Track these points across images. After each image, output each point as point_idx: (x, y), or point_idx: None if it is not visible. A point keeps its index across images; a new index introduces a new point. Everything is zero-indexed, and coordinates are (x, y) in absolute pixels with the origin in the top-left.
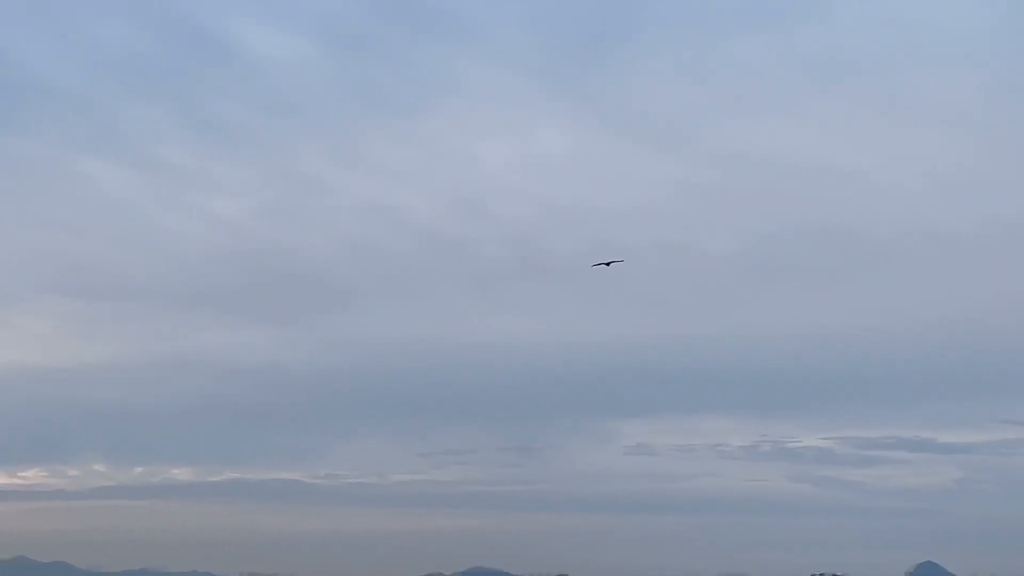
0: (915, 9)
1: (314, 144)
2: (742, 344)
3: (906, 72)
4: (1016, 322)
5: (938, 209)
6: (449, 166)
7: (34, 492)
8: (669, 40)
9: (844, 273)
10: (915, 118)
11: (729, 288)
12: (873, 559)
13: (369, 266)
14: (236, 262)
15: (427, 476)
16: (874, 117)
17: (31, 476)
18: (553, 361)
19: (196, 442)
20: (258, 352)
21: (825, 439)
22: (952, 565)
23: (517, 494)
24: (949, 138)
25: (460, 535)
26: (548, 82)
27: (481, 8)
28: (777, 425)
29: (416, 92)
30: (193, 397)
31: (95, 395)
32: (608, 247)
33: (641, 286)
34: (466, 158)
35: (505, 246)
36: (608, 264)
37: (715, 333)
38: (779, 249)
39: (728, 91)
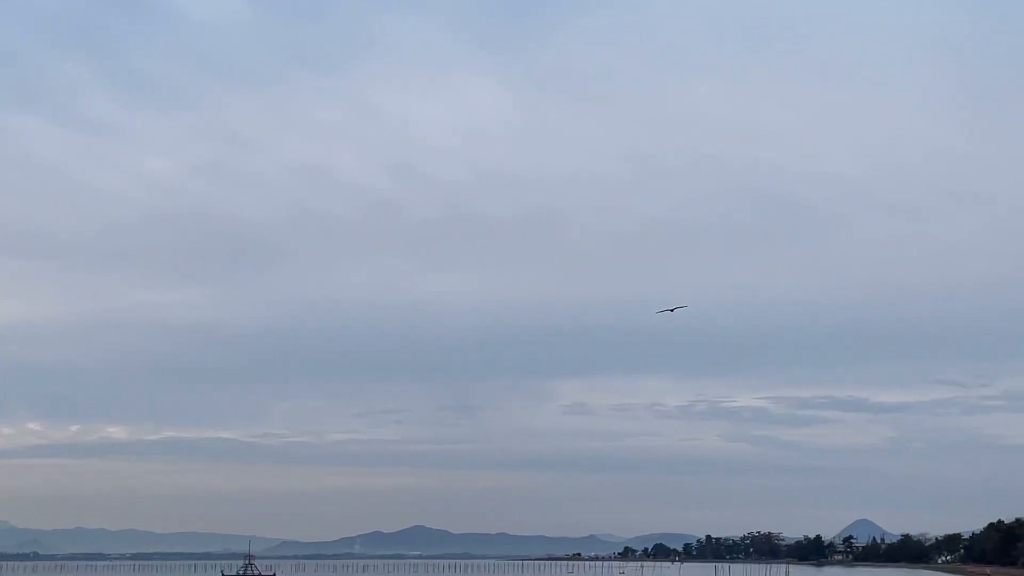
0: None
1: (244, 103)
2: (676, 302)
3: (838, 35)
4: (947, 284)
5: (869, 172)
6: (381, 126)
7: None
8: (603, 1)
9: (777, 235)
10: (846, 81)
11: (663, 249)
12: (808, 517)
13: (302, 225)
14: (166, 221)
15: (365, 435)
16: (806, 80)
17: None
18: (490, 321)
19: (131, 401)
20: (191, 311)
21: (760, 399)
22: (885, 522)
23: (456, 453)
24: (880, 101)
25: (400, 494)
26: (481, 42)
27: None
28: (713, 385)
29: (347, 51)
30: (127, 356)
31: (26, 353)
32: (541, 208)
33: (574, 247)
34: (398, 118)
35: (438, 207)
36: (672, 311)
37: (649, 294)
38: (711, 211)
39: (663, 53)
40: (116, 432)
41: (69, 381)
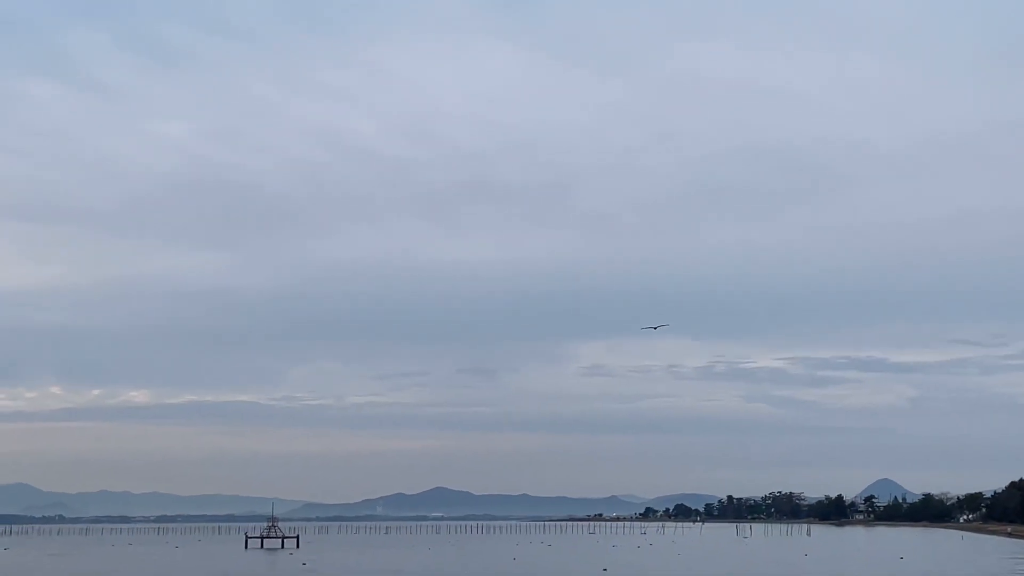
0: None
1: (259, 67)
2: (695, 264)
3: None
4: (965, 243)
5: (887, 134)
6: (396, 90)
7: None
8: None
9: (795, 196)
10: (863, 42)
11: (679, 211)
12: (829, 477)
13: (318, 189)
14: (182, 186)
15: (384, 398)
16: (823, 41)
17: None
18: (507, 283)
19: (152, 365)
20: (209, 275)
21: (778, 360)
22: (906, 482)
23: (476, 415)
24: (898, 62)
25: (421, 456)
26: (496, 5)
27: None
28: (731, 346)
29: (361, 15)
30: (146, 320)
31: (48, 318)
32: (557, 170)
33: (591, 210)
34: (412, 82)
35: (453, 170)
36: (656, 328)
37: (666, 255)
38: (728, 173)
39: (678, 15)
40: (138, 396)
41: (90, 346)
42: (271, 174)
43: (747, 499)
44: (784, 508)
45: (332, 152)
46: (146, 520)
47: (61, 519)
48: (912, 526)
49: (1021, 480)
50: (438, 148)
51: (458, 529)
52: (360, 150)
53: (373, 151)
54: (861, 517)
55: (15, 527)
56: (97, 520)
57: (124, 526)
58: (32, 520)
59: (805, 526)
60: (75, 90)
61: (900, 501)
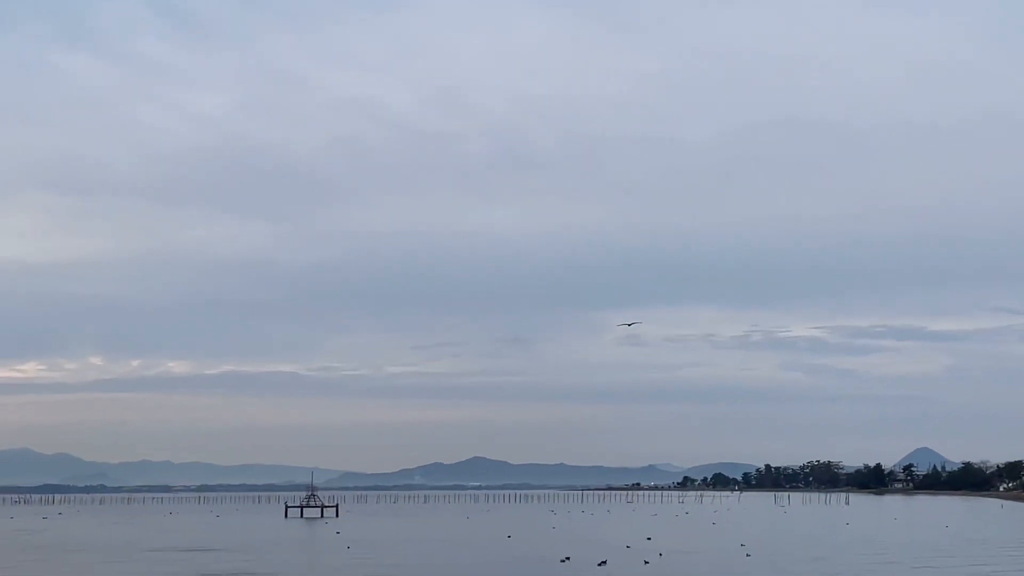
0: None
1: (293, 39)
2: (730, 234)
3: None
4: (1003, 210)
5: (920, 100)
6: (430, 61)
7: (33, 385)
8: None
9: (830, 163)
10: (894, 9)
11: (715, 179)
12: (868, 446)
13: (353, 160)
14: (219, 158)
15: (421, 368)
16: (855, 7)
17: (29, 369)
18: (542, 254)
19: (191, 336)
20: (247, 247)
21: (816, 328)
22: (945, 450)
23: (512, 385)
24: (929, 28)
25: (458, 426)
26: None
27: None
28: (768, 315)
29: None
30: (185, 291)
31: (87, 290)
32: (590, 139)
33: (625, 178)
34: (447, 52)
35: (487, 139)
36: (630, 325)
37: (701, 224)
38: (762, 139)
39: None
40: (177, 366)
41: (129, 317)
42: (306, 146)
43: (785, 468)
44: (822, 477)
45: (367, 124)
46: (187, 490)
47: (103, 489)
48: (951, 495)
49: None
50: (473, 119)
51: (496, 498)
52: (395, 121)
53: (408, 122)
54: (900, 486)
55: (58, 496)
56: (138, 490)
57: (165, 495)
58: (75, 490)
59: (844, 495)
60: (111, 63)
61: (939, 470)
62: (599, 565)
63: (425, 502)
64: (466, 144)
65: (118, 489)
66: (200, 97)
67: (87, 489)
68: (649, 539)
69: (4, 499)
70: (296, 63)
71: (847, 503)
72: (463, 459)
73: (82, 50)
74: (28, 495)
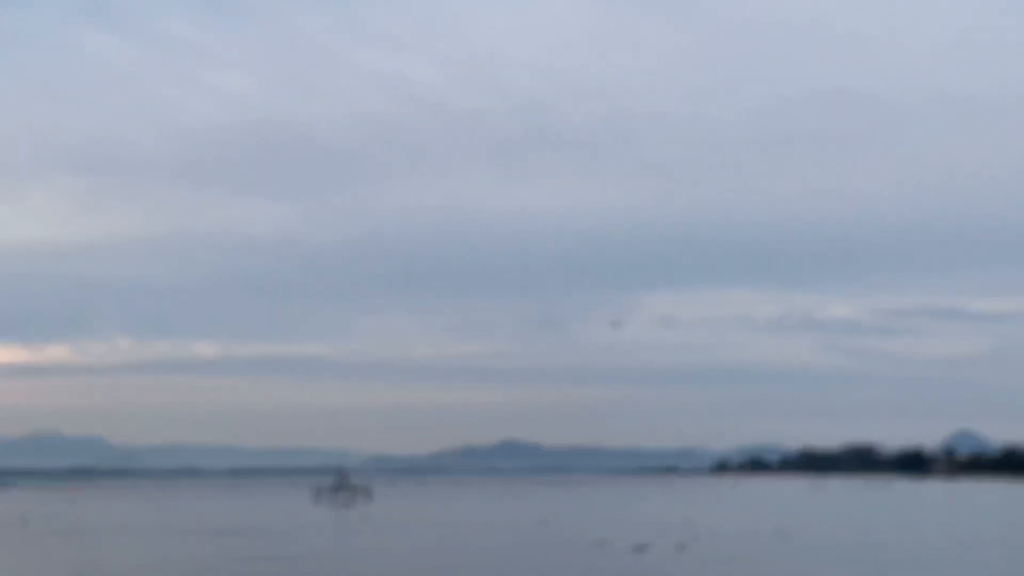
0: None
1: (321, 15)
2: (764, 213)
3: None
4: None
5: (958, 73)
6: (458, 37)
7: (61, 367)
8: None
9: (867, 141)
10: None
11: (748, 157)
12: (907, 428)
13: (382, 139)
14: (245, 136)
15: (452, 350)
16: None
17: (56, 352)
18: (573, 234)
19: (219, 317)
20: (275, 226)
21: (853, 309)
22: (988, 433)
23: (544, 367)
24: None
25: (490, 409)
26: None
27: None
28: (803, 296)
29: None
30: (212, 272)
31: (114, 270)
32: (622, 117)
33: (657, 156)
34: (475, 28)
35: (518, 118)
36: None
37: (735, 203)
38: (797, 117)
39: None
40: (205, 348)
41: (157, 298)
42: (334, 124)
43: (823, 451)
44: (861, 460)
45: (395, 101)
46: (216, 472)
47: (132, 472)
48: (995, 478)
49: None
50: (502, 96)
51: (529, 481)
52: (423, 99)
53: (436, 100)
54: (941, 469)
55: (87, 478)
56: (168, 472)
57: (195, 478)
58: (104, 473)
59: (883, 478)
60: (138, 42)
61: (982, 453)
62: (634, 549)
63: (457, 485)
64: (496, 122)
65: (147, 472)
66: (227, 76)
67: (116, 472)
68: (687, 522)
69: (33, 482)
70: (324, 40)
71: (886, 486)
72: (495, 442)
73: (109, 29)
74: (57, 478)
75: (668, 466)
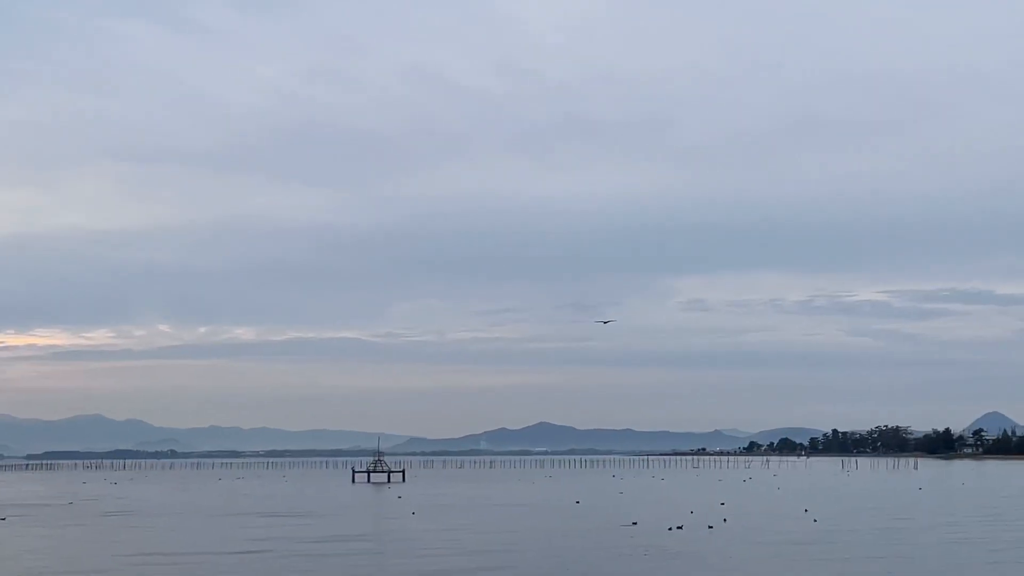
0: None
1: (355, 6)
2: (794, 198)
3: None
4: None
5: (993, 62)
6: (490, 25)
7: (103, 352)
8: None
9: (897, 126)
10: None
11: (776, 142)
12: (936, 410)
13: (415, 127)
14: (282, 124)
15: (486, 334)
16: None
17: (98, 337)
18: (604, 219)
19: (257, 302)
20: (311, 213)
21: (882, 292)
22: (1016, 415)
23: (577, 351)
24: None
25: (523, 391)
26: None
27: None
28: (833, 279)
29: None
30: (250, 258)
31: (153, 257)
32: (652, 105)
33: (687, 142)
34: (507, 17)
35: (550, 107)
36: (606, 323)
37: (765, 187)
38: (825, 101)
39: None
40: (243, 333)
41: (196, 284)
42: (369, 113)
43: (852, 433)
44: (891, 442)
45: (428, 90)
46: (255, 455)
47: (173, 454)
48: (1022, 459)
49: None
50: (534, 84)
51: (562, 463)
52: (456, 87)
53: (469, 88)
54: (969, 451)
55: (129, 461)
56: (208, 455)
57: (235, 461)
58: (146, 455)
59: (912, 460)
60: (176, 32)
61: (1010, 434)
62: (671, 529)
63: (491, 467)
64: (528, 110)
65: (188, 454)
66: (264, 65)
67: (158, 455)
68: (723, 504)
69: (77, 464)
70: (359, 30)
71: (915, 468)
72: (528, 424)
73: (147, 20)
74: (100, 460)
75: (699, 448)
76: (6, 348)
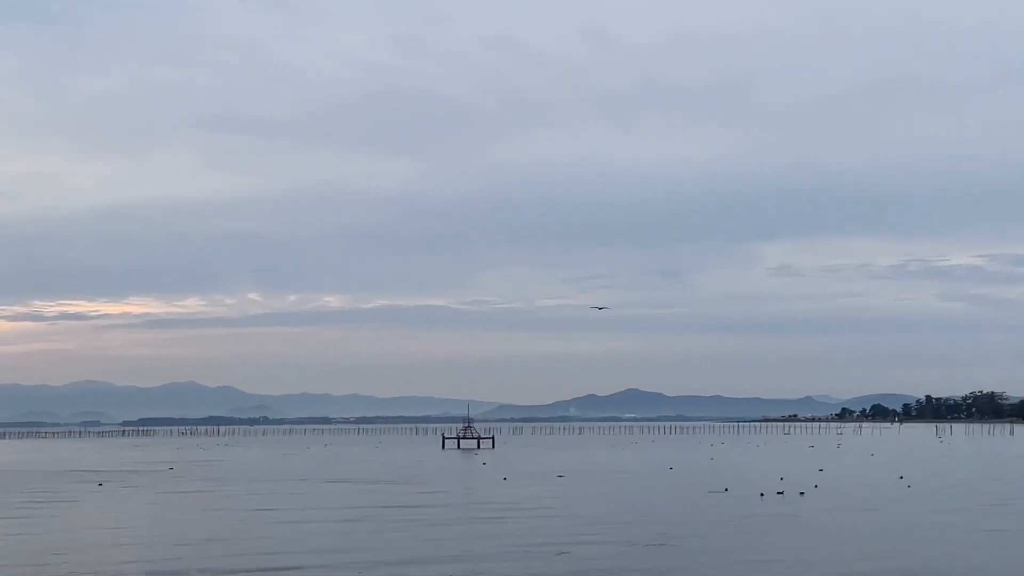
0: None
1: None
2: (884, 162)
3: None
4: None
5: None
6: None
7: (196, 320)
8: None
9: (987, 91)
10: None
11: (862, 105)
12: None
13: (498, 95)
14: (364, 94)
15: (572, 300)
16: None
17: (190, 305)
18: (689, 185)
19: (345, 270)
20: (397, 182)
21: (975, 257)
22: None
23: (664, 317)
24: None
25: (612, 358)
26: None
27: None
28: (925, 244)
29: None
30: (337, 227)
31: (241, 226)
32: (735, 70)
33: (772, 106)
34: None
35: (631, 73)
36: (600, 309)
37: (852, 151)
38: (911, 63)
39: None
40: (332, 301)
41: (284, 252)
42: (452, 81)
43: (946, 399)
44: (985, 408)
45: (512, 59)
46: (346, 421)
47: (265, 420)
48: None
49: None
50: (615, 51)
51: (651, 430)
52: (538, 55)
53: (551, 56)
54: None
55: (222, 428)
56: (299, 421)
57: (325, 427)
58: (238, 421)
59: (1008, 426)
60: (260, 2)
61: None
62: (759, 496)
63: (580, 434)
64: (610, 76)
65: (280, 421)
66: (347, 35)
67: (250, 421)
68: (821, 471)
69: (171, 431)
70: (442, 0)
71: (1011, 434)
72: (617, 391)
73: None
74: (194, 427)
75: (790, 414)
76: (102, 316)
